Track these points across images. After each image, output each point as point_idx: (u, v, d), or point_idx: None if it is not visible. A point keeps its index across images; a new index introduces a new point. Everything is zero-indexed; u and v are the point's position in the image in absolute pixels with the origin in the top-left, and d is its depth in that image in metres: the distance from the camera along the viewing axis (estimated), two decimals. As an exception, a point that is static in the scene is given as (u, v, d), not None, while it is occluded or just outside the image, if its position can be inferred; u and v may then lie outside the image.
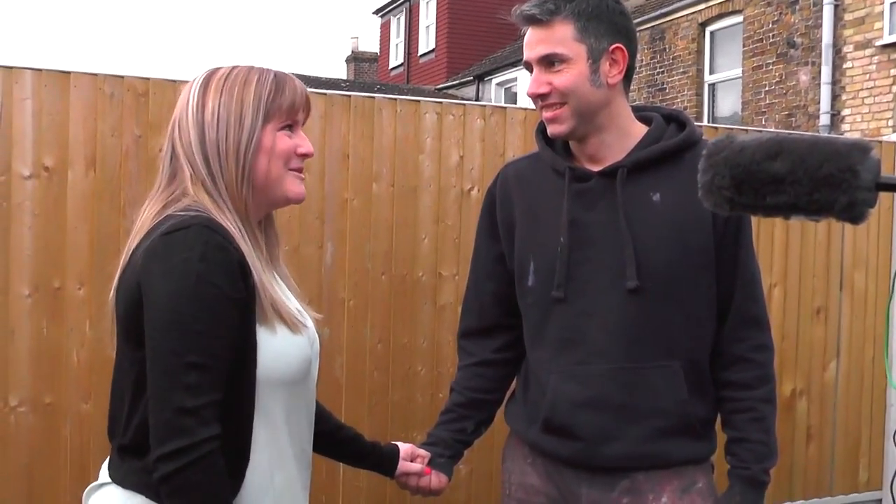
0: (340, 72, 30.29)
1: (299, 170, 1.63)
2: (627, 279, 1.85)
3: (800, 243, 4.27)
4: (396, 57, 25.64)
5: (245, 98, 1.55)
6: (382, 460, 1.96)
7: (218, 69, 1.60)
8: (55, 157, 3.01)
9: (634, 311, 1.86)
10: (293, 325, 1.55)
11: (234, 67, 1.59)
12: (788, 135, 1.09)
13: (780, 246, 4.22)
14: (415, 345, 3.53)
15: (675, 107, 12.78)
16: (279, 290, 1.58)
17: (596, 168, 1.92)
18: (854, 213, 1.03)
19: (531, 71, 1.90)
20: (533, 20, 1.87)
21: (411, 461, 1.99)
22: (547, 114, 1.89)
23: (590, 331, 1.89)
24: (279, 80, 1.59)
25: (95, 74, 3.06)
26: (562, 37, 1.85)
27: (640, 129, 1.95)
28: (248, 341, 1.47)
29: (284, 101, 1.58)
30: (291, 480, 1.59)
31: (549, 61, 1.86)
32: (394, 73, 25.59)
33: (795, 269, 4.28)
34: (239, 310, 1.45)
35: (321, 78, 21.32)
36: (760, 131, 4.40)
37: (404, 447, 1.99)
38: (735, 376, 1.93)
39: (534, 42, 1.88)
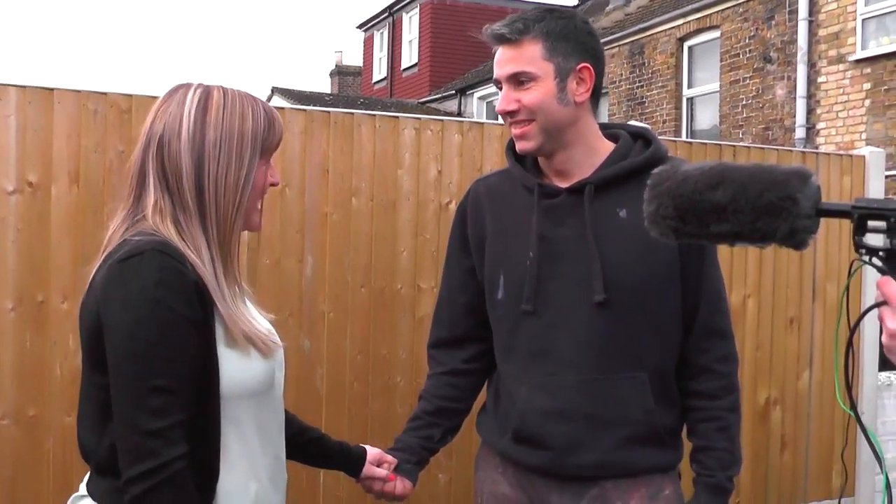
0: (324, 85, 30.35)
1: (262, 201, 1.67)
2: (595, 293, 1.90)
3: (773, 255, 4.34)
4: (380, 71, 25.72)
5: (244, 133, 1.56)
6: (349, 461, 2.00)
7: (208, 92, 1.58)
8: (39, 173, 3.04)
9: (602, 324, 1.91)
10: (265, 350, 1.58)
11: (224, 92, 1.59)
12: (731, 164, 1.11)
13: (754, 258, 4.29)
14: (394, 356, 3.57)
15: (654, 121, 12.92)
16: (247, 313, 1.61)
17: (564, 184, 1.97)
18: (796, 240, 1.06)
19: (500, 88, 1.97)
20: (503, 39, 1.93)
21: (378, 466, 2.02)
22: (516, 130, 1.95)
23: (558, 343, 1.94)
24: (269, 115, 1.61)
25: (79, 91, 3.10)
26: (530, 56, 1.91)
27: (608, 147, 2.00)
28: (209, 359, 1.50)
29: (275, 138, 1.63)
30: (267, 489, 1.62)
31: (518, 79, 1.92)
32: (377, 86, 25.66)
33: (769, 280, 4.35)
34: (198, 329, 1.48)
35: (305, 91, 21.34)
36: (734, 146, 4.48)
37: (372, 451, 2.03)
38: (700, 386, 1.98)
39: (503, 60, 1.94)
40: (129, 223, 1.56)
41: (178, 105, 1.57)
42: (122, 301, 1.45)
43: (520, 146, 1.97)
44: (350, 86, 27.77)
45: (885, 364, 4.82)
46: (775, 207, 1.05)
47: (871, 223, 1.06)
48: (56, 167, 3.07)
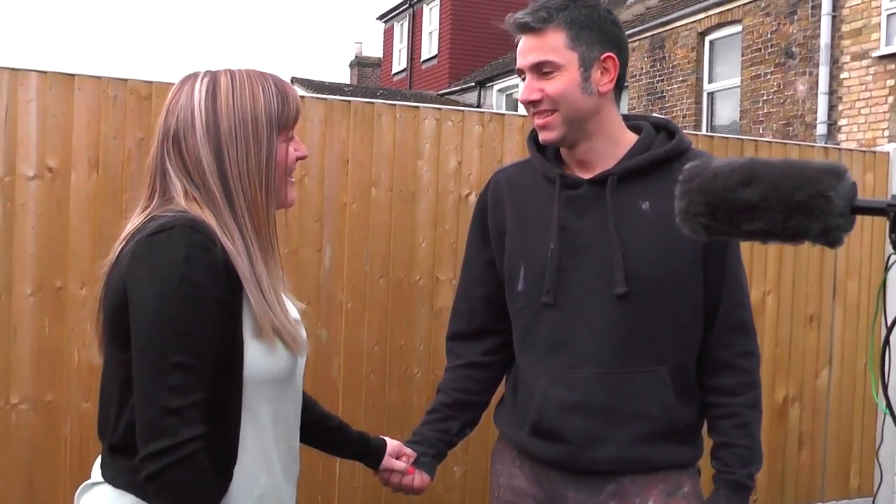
0: (344, 76, 30.36)
1: (292, 174, 1.66)
2: (616, 285, 1.88)
3: (793, 251, 4.31)
4: (399, 62, 25.69)
5: (258, 113, 1.55)
6: (368, 451, 1.98)
7: (215, 79, 1.57)
8: (59, 159, 3.05)
9: (622, 317, 1.89)
10: (291, 345, 1.57)
11: (232, 76, 1.58)
12: (762, 160, 1.09)
13: (774, 253, 4.26)
14: (411, 347, 3.57)
15: (674, 115, 12.85)
16: (279, 300, 1.59)
17: (586, 175, 1.96)
18: (829, 238, 1.04)
19: (524, 78, 1.95)
20: (526, 28, 1.91)
21: (397, 458, 2.00)
22: (538, 120, 1.94)
23: (578, 336, 1.92)
24: (281, 90, 1.60)
25: (99, 77, 3.10)
26: (554, 44, 1.89)
27: (631, 138, 1.99)
28: (234, 341, 1.49)
29: (291, 112, 1.61)
30: (277, 478, 1.61)
31: (541, 69, 1.90)
32: (397, 78, 25.64)
33: (789, 276, 4.32)
34: (224, 310, 1.47)
35: (325, 82, 21.34)
36: (756, 141, 4.45)
37: (392, 443, 2.01)
38: (721, 382, 1.96)
39: (526, 49, 1.93)
40: (154, 212, 1.55)
41: (188, 97, 1.56)
42: (149, 275, 1.44)
43: (542, 136, 1.95)
44: (369, 77, 27.76)
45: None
46: (807, 206, 1.03)
47: None
48: (76, 153, 3.08)
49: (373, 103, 3.54)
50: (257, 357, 1.53)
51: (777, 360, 4.28)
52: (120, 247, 1.54)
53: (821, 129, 10.69)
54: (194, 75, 1.60)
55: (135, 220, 1.57)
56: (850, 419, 4.53)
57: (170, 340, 1.42)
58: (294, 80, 21.36)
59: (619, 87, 1.97)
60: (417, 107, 3.61)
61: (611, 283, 1.89)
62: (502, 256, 2.06)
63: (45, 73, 3.04)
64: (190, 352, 1.43)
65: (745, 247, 4.10)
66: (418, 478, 2.03)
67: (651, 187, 1.91)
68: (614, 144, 1.96)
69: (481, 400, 2.18)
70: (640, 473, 1.93)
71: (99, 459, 1.62)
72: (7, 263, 3.01)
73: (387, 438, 2.03)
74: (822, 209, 1.03)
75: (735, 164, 1.09)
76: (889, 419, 1.10)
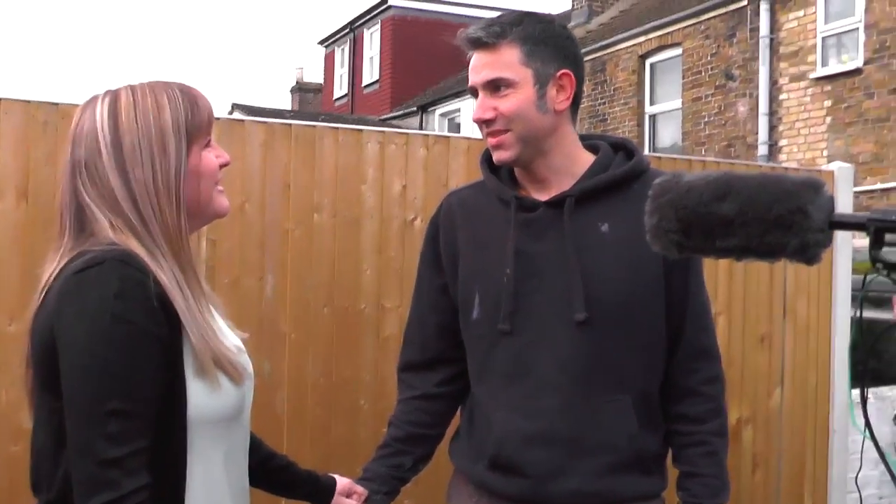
0: (285, 102, 30.16)
1: (219, 182, 1.56)
2: (576, 311, 1.81)
3: (743, 271, 4.29)
4: (341, 87, 25.65)
5: (163, 124, 1.45)
6: (317, 491, 1.88)
7: (116, 97, 1.47)
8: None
9: (583, 344, 1.82)
10: (235, 376, 1.46)
11: (132, 90, 1.47)
12: (737, 173, 1.03)
13: (725, 274, 4.24)
14: (358, 378, 3.46)
15: (616, 137, 12.97)
16: (216, 327, 1.49)
17: (543, 197, 1.88)
18: (807, 255, 0.99)
19: (476, 96, 1.87)
20: (479, 43, 1.83)
21: (347, 497, 1.91)
22: (492, 140, 1.85)
23: (538, 364, 1.84)
24: (189, 96, 1.50)
25: (28, 101, 2.97)
26: (508, 61, 1.81)
27: (588, 158, 1.92)
28: (175, 380, 1.38)
29: (202, 118, 1.50)
30: None
31: (495, 86, 1.82)
32: (338, 103, 25.59)
33: (740, 296, 4.30)
34: (162, 347, 1.36)
35: (265, 108, 21.22)
36: (704, 161, 4.44)
37: (342, 481, 1.91)
38: (687, 409, 1.89)
39: (479, 66, 1.84)
40: (73, 252, 1.43)
41: (90, 122, 1.46)
42: (78, 314, 1.33)
43: (496, 156, 1.87)
44: (311, 103, 27.65)
45: (855, 381, 4.79)
46: (785, 221, 0.97)
47: (888, 237, 0.98)
48: (3, 181, 2.93)
49: (314, 126, 3.44)
50: (202, 397, 1.42)
51: (730, 380, 4.16)
52: (45, 289, 1.42)
53: (762, 149, 10.85)
54: (94, 98, 1.49)
55: (53, 262, 1.45)
56: (803, 439, 4.51)
57: (104, 385, 1.31)
58: (235, 106, 21.20)
59: (576, 104, 1.90)
60: (360, 129, 3.52)
61: (570, 308, 1.81)
62: (456, 282, 1.97)
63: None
64: (127, 396, 1.31)
65: (696, 267, 4.08)
66: None
67: (610, 209, 1.84)
68: (571, 164, 1.88)
69: (435, 433, 2.08)
70: None
71: None
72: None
73: (337, 476, 1.93)
74: (801, 224, 0.97)
75: (710, 178, 1.02)
76: (868, 443, 1.05)
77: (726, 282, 4.25)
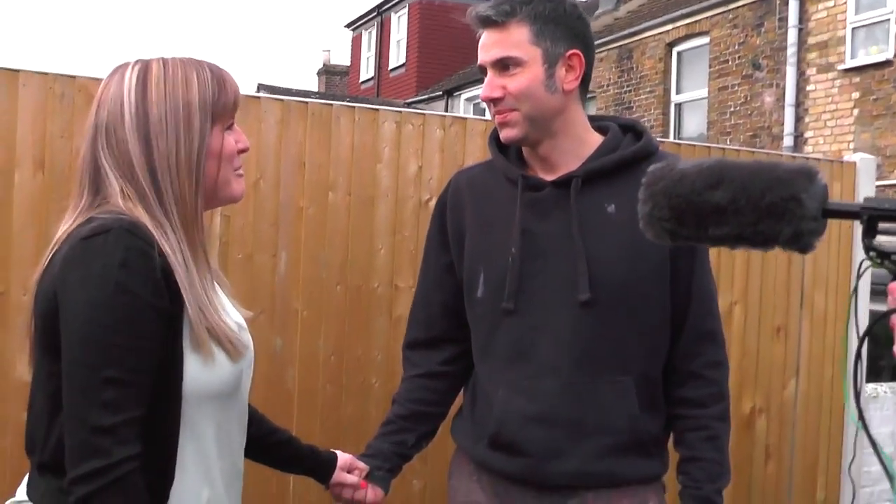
0: (312, 84, 30.22)
1: (239, 167, 1.56)
2: (579, 292, 1.80)
3: (760, 261, 4.26)
4: (367, 70, 25.66)
5: (190, 100, 1.45)
6: (318, 466, 1.89)
7: (146, 67, 1.47)
8: (2, 158, 2.91)
9: (586, 325, 1.81)
10: (233, 352, 1.47)
11: (164, 63, 1.48)
12: (731, 160, 1.03)
13: (741, 264, 4.21)
14: (369, 357, 3.46)
15: (641, 125, 12.88)
16: (218, 303, 1.50)
17: (550, 177, 1.87)
18: (801, 243, 0.99)
19: (485, 74, 1.86)
20: (488, 22, 1.83)
21: (349, 472, 1.92)
22: (499, 118, 1.85)
23: (540, 344, 1.84)
24: (218, 77, 1.50)
25: (46, 73, 2.98)
26: (517, 39, 1.80)
27: (596, 139, 1.91)
28: (173, 353, 1.39)
29: (228, 100, 1.51)
30: (220, 498, 1.51)
31: (504, 64, 1.82)
32: (364, 86, 25.59)
33: (756, 286, 4.27)
34: (163, 319, 1.37)
35: (291, 89, 21.26)
36: (724, 149, 4.40)
37: (343, 457, 1.93)
38: (689, 393, 1.89)
39: (488, 45, 1.84)
40: (88, 213, 1.44)
41: (118, 87, 1.47)
42: (82, 281, 1.34)
43: (503, 134, 1.86)
44: (337, 85, 27.69)
45: (873, 375, 4.75)
46: (778, 209, 0.97)
47: (881, 225, 0.99)
48: (20, 152, 2.95)
49: (331, 105, 3.44)
50: (196, 370, 1.42)
51: (744, 371, 4.23)
52: (52, 251, 1.43)
53: (787, 140, 10.76)
54: (125, 65, 1.50)
55: (67, 222, 1.46)
56: (817, 431, 4.48)
57: (103, 353, 1.32)
58: (261, 86, 21.25)
59: (585, 85, 1.89)
60: (377, 109, 3.51)
61: (574, 289, 1.81)
62: (461, 261, 1.97)
63: (-13, 67, 2.91)
64: (124, 365, 1.32)
65: (713, 256, 4.03)
66: (371, 492, 1.94)
67: (617, 190, 1.83)
68: (579, 145, 1.88)
69: (438, 411, 2.09)
70: (604, 488, 1.86)
71: (27, 477, 1.51)
72: (-60, 266, 2.87)
73: (338, 452, 1.94)
74: (794, 212, 0.97)
75: (703, 166, 1.03)
76: (861, 433, 1.05)
77: (743, 271, 4.22)
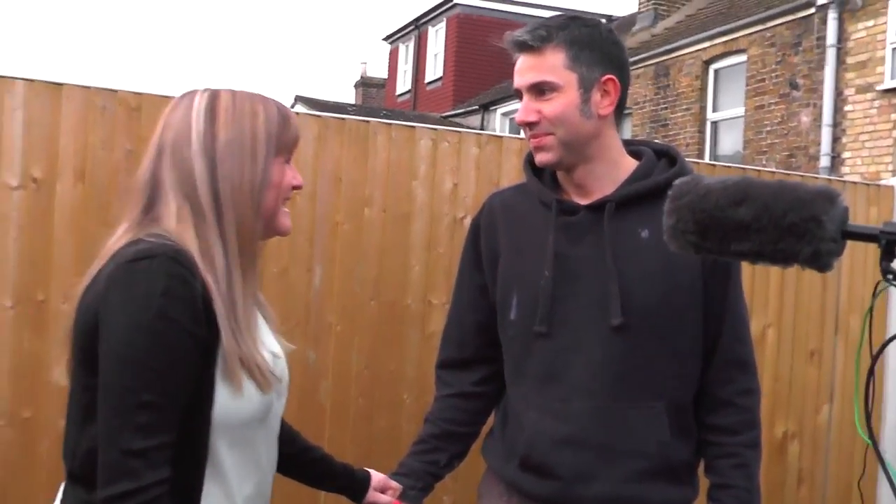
0: (349, 96, 30.39)
1: (287, 203, 1.60)
2: (612, 316, 1.81)
3: (795, 284, 4.24)
4: (404, 83, 25.73)
5: (257, 131, 1.50)
6: (352, 484, 1.90)
7: (216, 94, 1.52)
8: (44, 169, 2.97)
9: (618, 349, 1.82)
10: (263, 383, 1.48)
11: (233, 93, 1.52)
12: (755, 179, 1.07)
13: (776, 286, 4.19)
14: (402, 372, 3.48)
15: (677, 143, 12.82)
16: (256, 332, 1.52)
17: (584, 201, 1.88)
18: (819, 262, 1.02)
19: (521, 98, 1.87)
20: (524, 46, 1.84)
21: (382, 492, 1.92)
22: (534, 142, 1.86)
23: (572, 367, 1.84)
24: (283, 113, 1.55)
25: (88, 87, 3.04)
26: (552, 64, 1.81)
27: (631, 163, 1.91)
28: (206, 381, 1.42)
29: (291, 135, 1.56)
30: None
31: (540, 89, 1.82)
32: (401, 99, 25.67)
33: (790, 310, 4.24)
34: (199, 347, 1.40)
35: (328, 101, 21.37)
36: (759, 171, 4.38)
37: (377, 476, 1.93)
38: (720, 421, 1.88)
39: (524, 69, 1.85)
40: (138, 228, 1.48)
41: (186, 110, 1.51)
42: (123, 304, 1.37)
43: (538, 158, 1.88)
44: (374, 98, 27.81)
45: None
46: (799, 229, 1.01)
47: None
48: (62, 163, 3.01)
49: (368, 121, 3.47)
50: (224, 400, 1.44)
51: (777, 395, 4.20)
52: (99, 266, 1.46)
53: (824, 160, 10.64)
54: (194, 91, 1.54)
55: (115, 237, 1.50)
56: (851, 456, 4.43)
57: (139, 376, 1.34)
58: (298, 98, 21.39)
59: (620, 110, 1.90)
60: (413, 126, 3.55)
61: (607, 313, 1.81)
62: (495, 283, 1.98)
63: (32, 81, 2.97)
64: (160, 390, 1.35)
65: (746, 278, 4.02)
66: None
67: (651, 215, 1.83)
68: (614, 169, 1.88)
69: (470, 431, 2.09)
70: None
71: (63, 485, 1.54)
72: (-13, 275, 2.93)
73: (371, 471, 1.95)
74: (814, 233, 1.00)
75: (728, 183, 1.06)
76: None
77: (777, 294, 4.20)
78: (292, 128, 1.56)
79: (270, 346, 1.57)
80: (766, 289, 4.17)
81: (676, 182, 1.09)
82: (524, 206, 1.96)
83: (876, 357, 1.09)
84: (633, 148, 1.96)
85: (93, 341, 1.39)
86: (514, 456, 1.92)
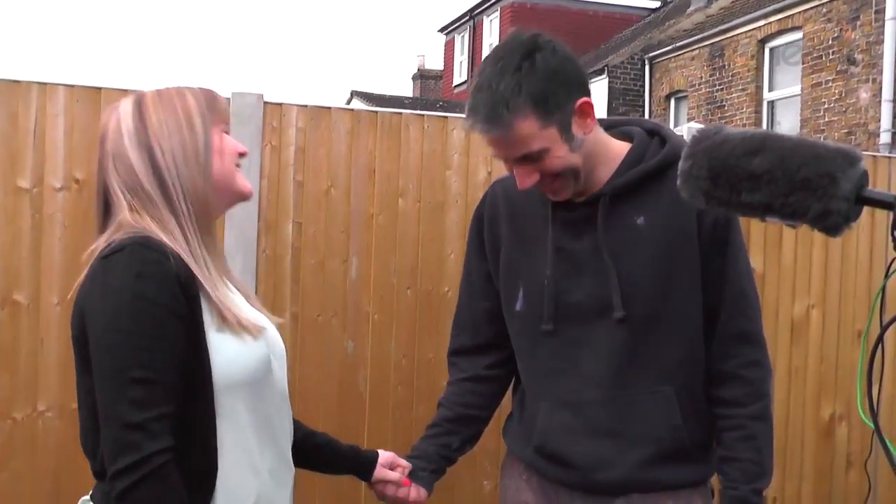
0: (407, 89, 30.50)
1: (239, 164, 1.66)
2: (614, 309, 1.83)
3: (840, 263, 4.17)
4: (460, 74, 25.72)
5: (188, 106, 1.57)
6: (360, 464, 1.94)
7: (141, 94, 1.60)
8: (85, 171, 3.08)
9: (624, 339, 1.84)
10: (254, 331, 1.55)
11: (157, 90, 1.60)
12: (775, 133, 1.07)
13: (819, 266, 4.13)
14: (439, 360, 3.50)
15: (734, 124, 12.64)
16: (231, 297, 1.59)
17: (581, 195, 1.88)
18: (828, 222, 1.01)
19: (507, 164, 1.84)
20: (490, 133, 1.74)
21: (391, 469, 1.95)
22: (544, 190, 1.84)
23: (580, 360, 1.88)
24: (207, 91, 1.63)
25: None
26: (527, 134, 1.73)
27: (621, 147, 1.91)
28: (198, 351, 1.48)
29: (221, 106, 1.64)
30: (265, 484, 1.58)
31: (527, 157, 1.77)
32: (458, 90, 25.67)
33: (835, 290, 4.18)
34: (182, 321, 1.46)
35: (385, 95, 21.47)
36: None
37: (385, 454, 1.97)
38: (725, 393, 1.88)
39: (500, 146, 1.78)
40: (108, 236, 1.55)
41: (116, 117, 1.59)
42: (102, 294, 1.45)
43: (556, 199, 1.87)
44: (432, 90, 27.86)
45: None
46: (811, 184, 1.00)
47: None
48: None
49: (400, 113, 3.52)
50: (228, 356, 1.51)
51: (823, 376, 4.15)
52: (82, 277, 1.55)
53: (884, 137, 10.40)
54: (119, 101, 1.63)
55: (93, 248, 1.57)
56: (902, 438, 4.36)
57: (126, 355, 1.41)
58: (354, 93, 21.53)
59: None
60: (446, 117, 3.58)
61: (609, 306, 1.84)
62: (498, 272, 2.01)
63: (73, 87, 3.08)
64: (149, 366, 1.42)
65: (789, 259, 3.99)
66: (414, 491, 1.97)
67: (645, 201, 1.85)
68: (606, 161, 1.88)
69: (483, 415, 2.13)
70: (650, 492, 1.88)
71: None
72: (35, 273, 3.05)
73: (381, 451, 1.98)
74: (826, 189, 0.99)
75: (747, 134, 1.07)
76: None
77: (821, 274, 4.14)
78: (220, 101, 1.64)
79: (256, 319, 1.62)
80: (808, 269, 4.11)
81: (698, 128, 1.10)
82: (525, 196, 1.95)
83: (879, 339, 1.07)
84: (622, 129, 1.95)
85: (85, 341, 1.47)
86: (530, 441, 1.96)
